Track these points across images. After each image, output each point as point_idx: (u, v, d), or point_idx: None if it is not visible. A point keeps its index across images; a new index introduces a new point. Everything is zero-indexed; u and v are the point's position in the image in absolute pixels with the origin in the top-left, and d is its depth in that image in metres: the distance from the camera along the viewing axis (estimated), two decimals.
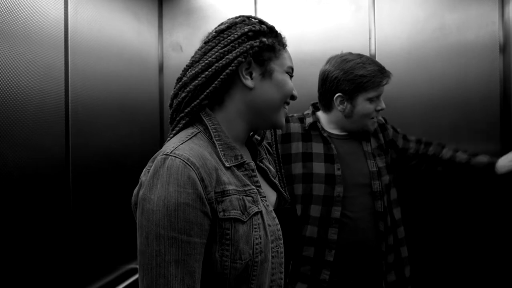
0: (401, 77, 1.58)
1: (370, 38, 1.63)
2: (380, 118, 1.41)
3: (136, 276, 1.51)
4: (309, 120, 1.35)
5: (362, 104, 1.27)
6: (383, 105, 1.29)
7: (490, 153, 1.47)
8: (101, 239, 1.41)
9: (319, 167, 1.30)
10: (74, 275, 1.26)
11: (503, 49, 1.47)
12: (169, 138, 0.74)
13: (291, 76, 0.80)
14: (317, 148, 1.32)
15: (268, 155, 0.92)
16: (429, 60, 1.55)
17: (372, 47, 1.62)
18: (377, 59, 1.61)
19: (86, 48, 1.34)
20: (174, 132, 0.74)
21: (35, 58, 1.12)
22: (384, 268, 1.27)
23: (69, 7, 1.26)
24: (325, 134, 1.33)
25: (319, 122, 1.35)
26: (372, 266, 1.27)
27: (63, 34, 1.24)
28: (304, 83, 1.67)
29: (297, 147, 1.34)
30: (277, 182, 0.86)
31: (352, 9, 1.65)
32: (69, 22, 1.26)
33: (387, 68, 1.63)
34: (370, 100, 1.27)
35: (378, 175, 1.29)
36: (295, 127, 1.38)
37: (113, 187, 1.47)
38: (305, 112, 1.39)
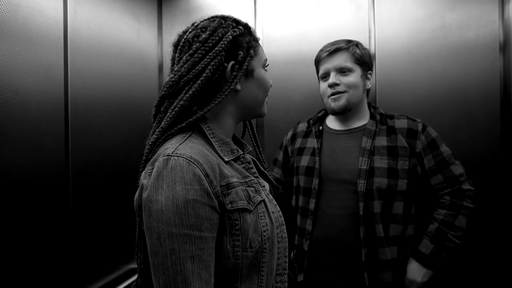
0: (402, 76, 1.58)
1: (370, 38, 1.62)
2: (419, 124, 1.28)
3: (135, 276, 1.50)
4: (312, 118, 1.42)
5: (320, 84, 1.35)
6: (330, 80, 1.27)
7: (490, 152, 1.47)
8: (101, 238, 1.40)
9: (304, 160, 1.35)
10: (74, 275, 1.26)
11: (503, 48, 1.47)
12: (150, 142, 0.72)
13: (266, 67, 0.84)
14: (311, 143, 1.37)
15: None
16: (429, 59, 1.55)
17: (372, 47, 1.62)
18: (377, 58, 1.61)
19: (85, 48, 1.34)
20: (163, 137, 0.72)
21: (34, 58, 1.11)
22: (367, 283, 1.17)
23: (68, 7, 1.26)
24: (315, 129, 1.37)
25: (323, 119, 1.42)
26: (351, 273, 1.20)
27: (63, 34, 1.24)
28: (304, 82, 1.68)
29: (297, 143, 1.43)
30: (266, 171, 0.89)
31: (352, 9, 1.65)
32: (68, 22, 1.26)
33: (387, 67, 1.64)
34: (323, 78, 1.33)
35: (367, 175, 1.19)
36: (302, 126, 1.48)
37: (113, 187, 1.47)
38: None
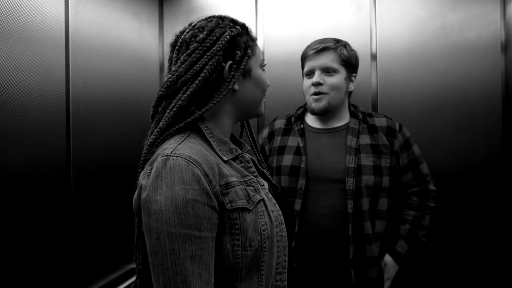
0: (403, 76, 1.58)
1: (371, 38, 1.62)
2: (396, 123, 1.33)
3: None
4: (292, 115, 1.39)
5: (304, 81, 1.33)
6: (314, 78, 1.26)
7: (492, 152, 1.47)
8: (103, 238, 1.41)
9: (287, 159, 1.31)
10: (75, 274, 1.26)
11: (505, 47, 1.47)
12: (148, 143, 0.72)
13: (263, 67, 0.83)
14: (293, 141, 1.34)
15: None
16: (431, 60, 1.55)
17: (374, 47, 1.62)
18: (378, 58, 1.61)
19: (87, 48, 1.34)
20: (161, 138, 0.72)
21: (36, 58, 1.12)
22: (354, 279, 1.20)
23: (69, 7, 1.26)
24: (297, 128, 1.33)
25: (303, 117, 1.39)
26: (338, 271, 1.22)
27: (64, 34, 1.24)
28: None
29: (276, 141, 1.39)
30: (265, 171, 0.89)
31: (353, 9, 1.64)
32: (69, 22, 1.26)
33: (388, 67, 1.63)
34: (307, 75, 1.31)
35: (355, 173, 1.21)
36: (278, 123, 1.43)
37: (114, 187, 1.47)
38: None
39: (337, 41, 1.29)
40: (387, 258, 1.29)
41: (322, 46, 1.26)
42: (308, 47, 1.31)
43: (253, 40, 0.80)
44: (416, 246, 1.30)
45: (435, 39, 1.54)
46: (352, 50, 1.31)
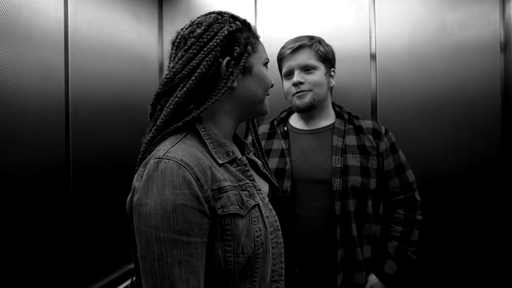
0: (403, 76, 1.58)
1: (370, 38, 1.62)
2: (382, 126, 1.31)
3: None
4: (275, 118, 1.37)
5: (284, 83, 1.31)
6: (294, 78, 1.23)
7: (492, 151, 1.47)
8: (102, 238, 1.41)
9: (272, 162, 1.27)
10: (75, 275, 1.26)
11: (504, 47, 1.47)
12: (146, 141, 0.71)
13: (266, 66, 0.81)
14: (277, 144, 1.31)
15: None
16: (430, 59, 1.55)
17: (373, 47, 1.62)
18: (378, 58, 1.61)
19: (86, 49, 1.34)
20: (159, 137, 0.71)
21: (35, 58, 1.12)
22: (339, 284, 1.15)
23: (69, 7, 1.26)
24: (280, 130, 1.31)
25: (286, 120, 1.37)
26: (323, 275, 1.18)
27: (63, 34, 1.24)
28: None
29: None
30: (267, 172, 0.87)
31: (352, 9, 1.64)
32: (69, 23, 1.26)
33: (388, 67, 1.63)
34: (287, 76, 1.28)
35: (341, 173, 1.17)
36: (262, 128, 1.41)
37: (114, 187, 1.47)
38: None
39: (311, 37, 1.27)
40: (373, 279, 1.20)
41: (298, 44, 1.23)
42: (283, 47, 1.29)
43: (256, 37, 0.77)
44: (406, 264, 1.22)
45: (435, 39, 1.54)
46: (327, 45, 1.29)
